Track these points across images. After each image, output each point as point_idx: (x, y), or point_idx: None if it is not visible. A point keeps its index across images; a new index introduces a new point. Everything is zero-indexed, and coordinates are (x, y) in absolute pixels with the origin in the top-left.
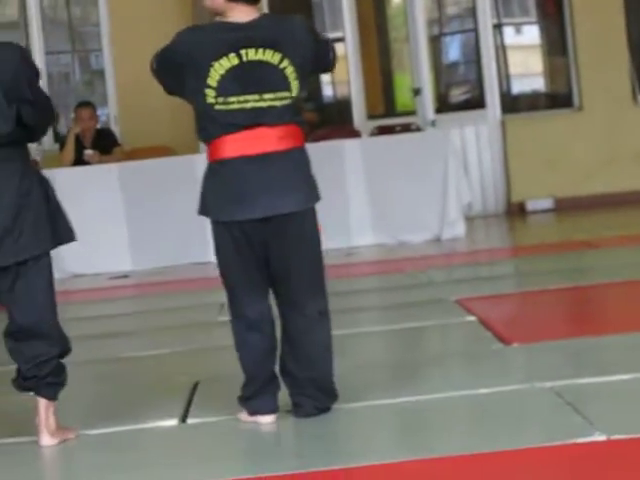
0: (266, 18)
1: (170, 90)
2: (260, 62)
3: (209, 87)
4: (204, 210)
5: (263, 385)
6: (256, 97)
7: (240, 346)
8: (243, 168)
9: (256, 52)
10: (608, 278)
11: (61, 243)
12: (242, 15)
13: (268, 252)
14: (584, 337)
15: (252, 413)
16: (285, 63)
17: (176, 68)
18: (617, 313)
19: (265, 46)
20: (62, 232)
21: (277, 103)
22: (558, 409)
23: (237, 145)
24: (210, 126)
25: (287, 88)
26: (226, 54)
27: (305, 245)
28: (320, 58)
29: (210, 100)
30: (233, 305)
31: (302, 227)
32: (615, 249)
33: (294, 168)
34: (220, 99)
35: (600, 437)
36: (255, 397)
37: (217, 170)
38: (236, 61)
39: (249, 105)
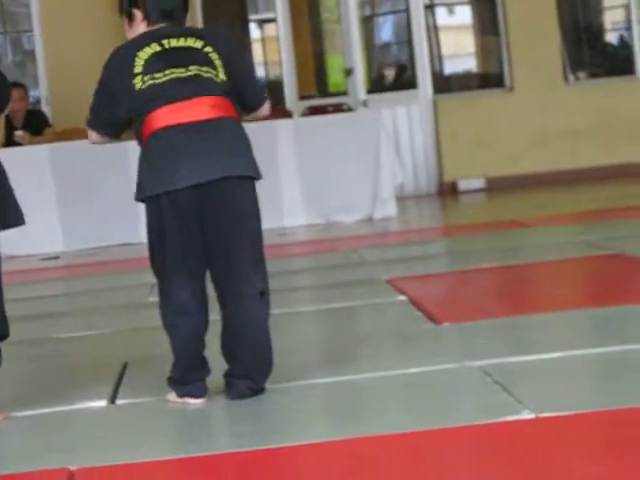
0: (170, 25)
1: (115, 128)
2: (182, 47)
3: (136, 76)
4: (139, 192)
5: (192, 369)
6: (182, 70)
7: (169, 329)
8: (175, 137)
9: (178, 40)
10: (538, 257)
11: (9, 227)
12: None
13: (205, 226)
14: (514, 316)
15: (181, 396)
16: (208, 49)
17: (111, 94)
18: (546, 292)
19: (187, 35)
20: (10, 215)
21: (203, 74)
22: (487, 388)
23: (168, 116)
24: (142, 107)
25: (212, 66)
26: (149, 44)
27: (245, 219)
28: (241, 78)
29: (138, 86)
30: (162, 288)
31: (242, 199)
32: (545, 228)
33: (231, 136)
34: (147, 77)
35: (528, 415)
36: (184, 381)
37: (150, 146)
38: (158, 48)
39: (175, 76)
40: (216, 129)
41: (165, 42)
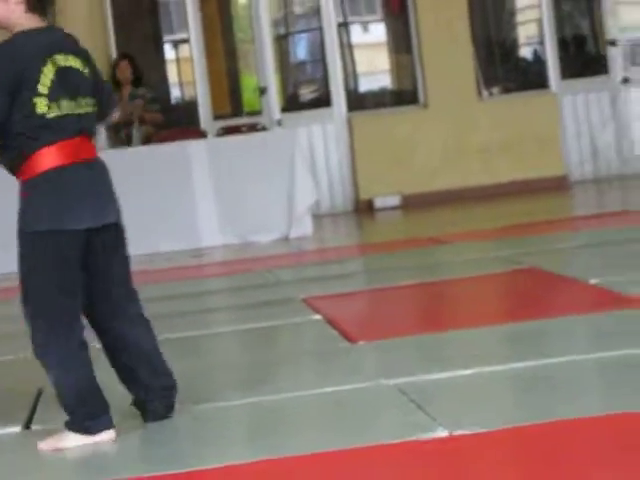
0: (56, 29)
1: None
2: (72, 70)
3: (39, 95)
4: (39, 223)
5: (100, 402)
6: (81, 102)
7: (71, 365)
8: (79, 174)
9: (67, 58)
10: (454, 274)
11: None
12: (36, 25)
13: (90, 263)
14: (429, 333)
15: (96, 432)
16: (86, 70)
17: (11, 85)
18: (462, 308)
19: (70, 52)
20: None
21: (90, 110)
22: (402, 406)
23: (71, 151)
24: (41, 135)
25: (91, 94)
26: (49, 57)
27: (123, 252)
28: (102, 89)
29: (42, 109)
30: (55, 325)
31: (121, 236)
32: (461, 244)
33: (108, 178)
34: (52, 104)
35: (442, 433)
36: (94, 416)
37: (51, 178)
38: (54, 67)
39: (77, 111)
40: (101, 170)
41: (58, 59)
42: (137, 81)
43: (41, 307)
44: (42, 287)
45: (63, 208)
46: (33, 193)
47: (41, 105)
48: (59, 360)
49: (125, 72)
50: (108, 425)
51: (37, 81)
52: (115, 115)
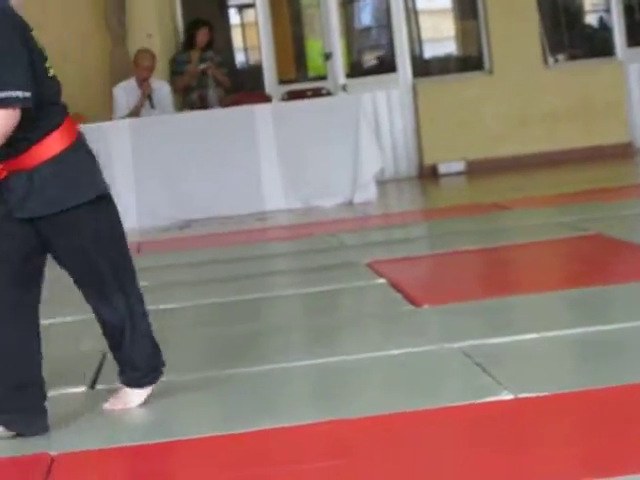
0: None
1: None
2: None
3: (46, 60)
4: (91, 190)
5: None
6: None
7: (148, 319)
8: (87, 144)
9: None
10: (517, 239)
11: None
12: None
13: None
14: (493, 298)
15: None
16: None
17: (29, 57)
18: (526, 274)
19: None
20: None
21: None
22: (467, 369)
23: (74, 120)
24: (57, 101)
25: None
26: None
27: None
28: None
29: (51, 73)
30: (136, 288)
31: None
32: (525, 211)
33: None
34: (51, 70)
35: (507, 396)
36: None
37: (80, 146)
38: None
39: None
40: None
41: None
42: (208, 46)
43: (127, 268)
44: (122, 247)
45: (97, 172)
46: (74, 160)
47: (50, 69)
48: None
49: (204, 38)
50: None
51: (39, 47)
52: (185, 79)
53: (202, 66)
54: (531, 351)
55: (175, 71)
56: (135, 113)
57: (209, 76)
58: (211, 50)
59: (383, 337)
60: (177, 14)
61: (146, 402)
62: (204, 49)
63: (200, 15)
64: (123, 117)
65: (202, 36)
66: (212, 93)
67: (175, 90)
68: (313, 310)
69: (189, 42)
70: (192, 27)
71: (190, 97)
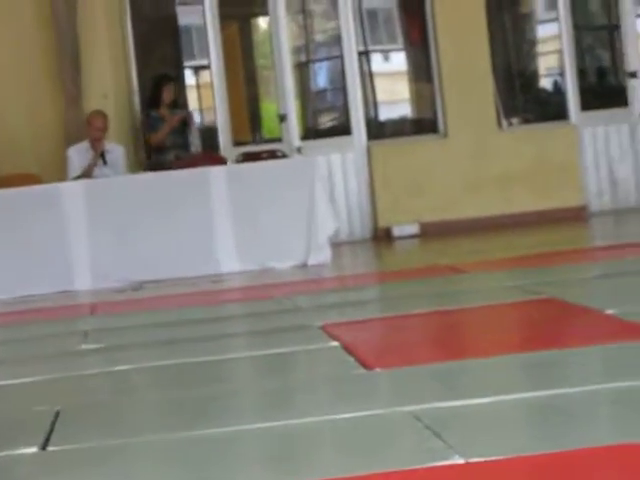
0: None
1: None
2: None
3: None
4: None
5: None
6: None
7: None
8: None
9: None
10: (472, 302)
11: None
12: None
13: None
14: (446, 361)
15: None
16: None
17: None
18: (479, 337)
19: None
20: None
21: None
22: (418, 433)
23: None
24: None
25: None
26: None
27: None
28: None
29: None
30: None
31: None
32: (478, 274)
33: None
34: None
35: (458, 460)
36: None
37: None
38: None
39: None
40: None
41: None
42: (173, 102)
43: None
44: None
45: None
46: None
47: None
48: None
49: (170, 95)
50: None
51: None
52: (165, 130)
53: (179, 113)
54: (483, 415)
55: (150, 128)
56: (87, 173)
57: (184, 133)
58: (177, 107)
59: (335, 400)
60: (132, 74)
61: (100, 463)
62: (170, 105)
63: (154, 75)
64: (75, 177)
65: (168, 92)
66: (193, 148)
67: (150, 148)
68: (266, 373)
69: (155, 100)
70: (158, 83)
71: (165, 157)
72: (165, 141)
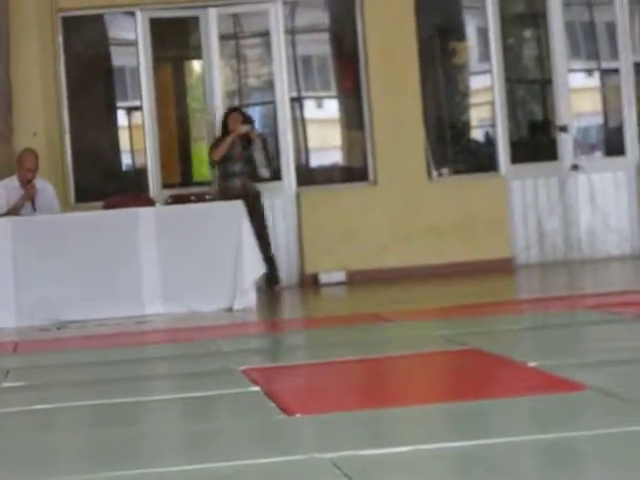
0: None
1: None
2: None
3: None
4: None
5: None
6: None
7: None
8: None
9: None
10: (396, 351)
11: None
12: None
13: None
14: (368, 409)
15: None
16: None
17: None
18: (403, 386)
19: None
20: None
21: None
22: None
23: None
24: None
25: None
26: None
27: None
28: None
29: None
30: None
31: None
32: (404, 322)
33: None
34: None
35: None
36: None
37: None
38: None
39: None
40: None
41: None
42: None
43: None
44: None
45: None
46: None
47: None
48: None
49: (237, 121)
50: None
51: None
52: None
53: (244, 129)
54: (403, 464)
55: (213, 147)
56: (14, 212)
57: (248, 148)
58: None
59: (254, 445)
60: (64, 113)
61: None
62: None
63: (86, 116)
64: (1, 215)
65: (233, 120)
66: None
67: (212, 163)
68: (187, 416)
69: (225, 130)
70: (225, 115)
71: (231, 184)
72: (228, 154)
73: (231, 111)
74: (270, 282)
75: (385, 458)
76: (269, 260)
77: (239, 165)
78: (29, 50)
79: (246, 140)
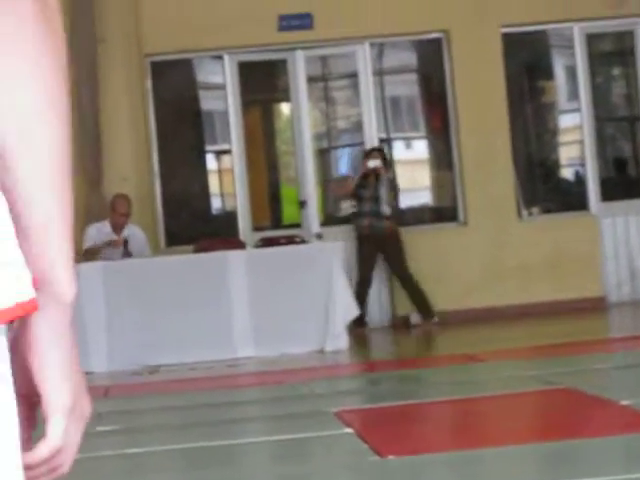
0: None
1: None
2: None
3: None
4: None
5: None
6: None
7: None
8: None
9: None
10: (488, 391)
11: None
12: None
13: None
14: (461, 450)
15: None
16: None
17: None
18: (495, 426)
19: None
20: None
21: None
22: None
23: None
24: None
25: None
26: None
27: None
28: None
29: None
30: None
31: None
32: (496, 363)
33: None
34: None
35: None
36: None
37: None
38: None
39: None
40: None
41: None
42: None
43: None
44: None
45: None
46: None
47: None
48: None
49: (375, 161)
50: None
51: None
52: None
53: (372, 164)
54: None
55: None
56: (100, 249)
57: (377, 201)
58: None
59: None
60: (153, 157)
61: None
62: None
63: (175, 160)
64: (88, 248)
65: (371, 159)
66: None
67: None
68: (281, 458)
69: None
70: (365, 155)
71: (360, 222)
72: (361, 193)
73: (370, 151)
74: (425, 316)
75: None
76: (419, 293)
77: (368, 204)
78: (118, 95)
79: (375, 178)
